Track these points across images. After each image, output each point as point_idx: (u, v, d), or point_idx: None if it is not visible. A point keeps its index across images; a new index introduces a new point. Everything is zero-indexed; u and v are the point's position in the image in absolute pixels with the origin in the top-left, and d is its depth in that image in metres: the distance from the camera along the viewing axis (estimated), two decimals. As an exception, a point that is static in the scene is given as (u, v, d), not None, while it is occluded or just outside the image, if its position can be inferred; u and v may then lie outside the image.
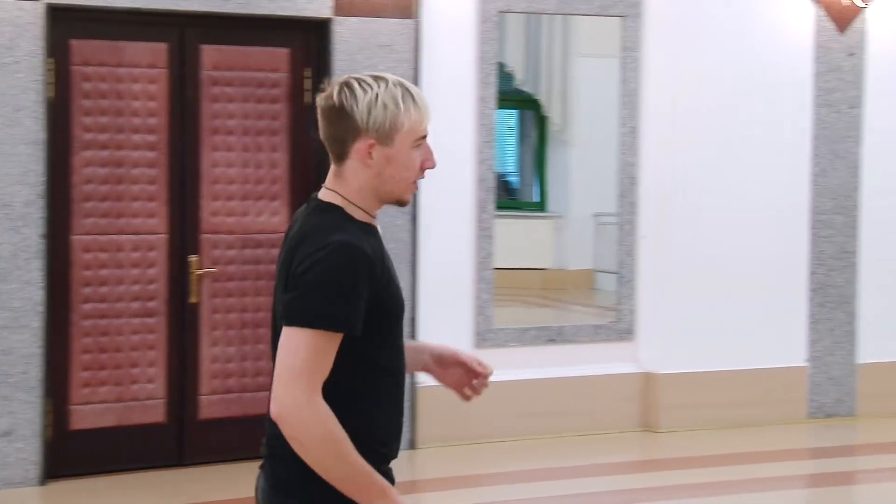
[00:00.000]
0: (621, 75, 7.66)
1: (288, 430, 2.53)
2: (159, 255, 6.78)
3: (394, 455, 2.73)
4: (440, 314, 7.25)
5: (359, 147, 2.64)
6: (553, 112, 8.85)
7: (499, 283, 7.43)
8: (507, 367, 7.31)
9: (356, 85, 2.63)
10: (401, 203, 2.72)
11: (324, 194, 2.71)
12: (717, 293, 7.73)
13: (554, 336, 7.49)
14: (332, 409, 2.54)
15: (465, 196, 7.33)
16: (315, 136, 7.05)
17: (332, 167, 2.71)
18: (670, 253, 7.67)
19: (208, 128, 6.85)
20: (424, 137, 2.69)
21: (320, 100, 2.67)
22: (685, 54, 7.72)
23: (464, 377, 2.96)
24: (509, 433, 7.35)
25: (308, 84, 7.05)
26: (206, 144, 6.85)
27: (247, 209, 6.94)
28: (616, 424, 7.57)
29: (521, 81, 8.79)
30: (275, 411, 2.54)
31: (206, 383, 6.86)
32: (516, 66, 8.72)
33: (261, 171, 6.98)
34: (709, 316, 7.74)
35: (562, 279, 9.00)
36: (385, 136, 2.64)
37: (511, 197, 9.86)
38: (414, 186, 2.71)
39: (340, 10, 6.97)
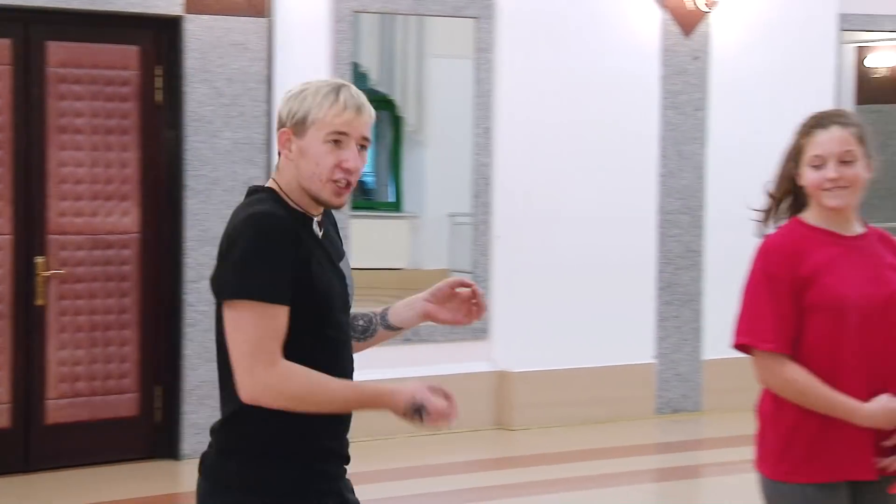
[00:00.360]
0: (475, 76, 7.73)
1: (270, 405, 2.57)
2: (4, 256, 6.60)
3: (340, 448, 2.71)
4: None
5: (278, 136, 2.70)
6: (408, 112, 8.88)
7: (354, 284, 7.41)
8: (364, 367, 7.24)
9: (296, 85, 2.71)
10: (323, 203, 2.69)
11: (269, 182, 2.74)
12: (569, 292, 7.85)
13: (410, 336, 7.51)
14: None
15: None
16: (167, 136, 6.99)
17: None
18: (523, 253, 7.76)
19: (55, 126, 6.70)
20: (342, 134, 2.65)
21: None
22: (537, 56, 7.82)
23: (461, 304, 2.95)
24: (364, 433, 7.33)
25: (159, 82, 6.94)
26: (52, 143, 6.70)
27: (96, 209, 6.81)
28: (471, 423, 7.63)
29: (376, 82, 8.80)
30: (245, 398, 2.57)
31: (53, 387, 6.71)
32: (371, 66, 8.73)
33: (111, 171, 6.86)
34: (561, 315, 7.85)
35: (417, 279, 9.03)
36: (299, 127, 2.66)
37: (366, 197, 9.86)
38: (332, 186, 2.66)
39: (191, 8, 6.88)
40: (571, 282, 7.84)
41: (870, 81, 10.88)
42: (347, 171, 2.67)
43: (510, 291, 7.71)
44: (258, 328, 2.55)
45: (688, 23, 8.17)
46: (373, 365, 7.44)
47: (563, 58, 7.86)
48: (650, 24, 8.11)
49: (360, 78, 8.40)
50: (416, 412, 2.58)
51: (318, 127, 2.65)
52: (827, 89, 8.56)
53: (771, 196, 3.32)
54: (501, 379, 7.73)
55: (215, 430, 2.70)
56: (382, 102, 9.19)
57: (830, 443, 3.13)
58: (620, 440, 7.57)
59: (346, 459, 2.76)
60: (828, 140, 3.18)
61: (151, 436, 7.00)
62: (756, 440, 3.26)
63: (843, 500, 3.16)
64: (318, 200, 2.69)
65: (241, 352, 2.57)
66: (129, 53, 6.87)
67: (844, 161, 3.17)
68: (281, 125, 2.70)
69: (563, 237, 7.84)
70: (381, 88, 8.82)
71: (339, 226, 2.91)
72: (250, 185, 2.81)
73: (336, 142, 2.66)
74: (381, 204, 9.57)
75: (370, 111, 2.73)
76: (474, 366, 7.69)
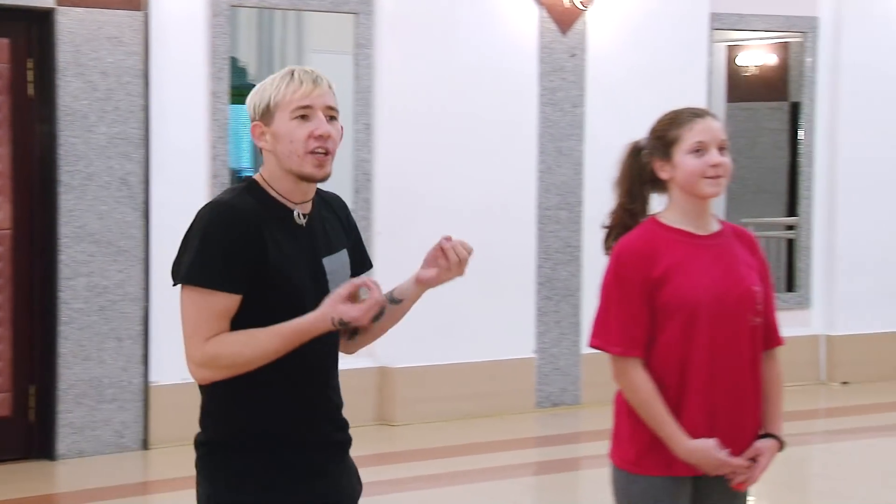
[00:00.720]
0: (355, 72, 7.71)
1: (217, 378, 2.73)
2: None
3: (297, 441, 2.77)
4: (174, 313, 7.09)
5: (252, 133, 2.81)
6: (287, 108, 8.81)
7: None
8: (243, 364, 7.24)
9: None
10: (307, 178, 2.77)
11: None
12: (449, 288, 7.85)
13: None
14: (220, 383, 2.73)
15: (199, 192, 7.22)
16: (39, 130, 6.84)
17: None
18: (405, 249, 7.76)
19: (-78, 120, 6.51)
20: (305, 108, 2.76)
21: None
22: (416, 52, 7.84)
23: (447, 261, 3.12)
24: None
25: (31, 76, 6.79)
26: (-80, 138, 6.51)
27: (-34, 206, 6.64)
28: (353, 418, 7.57)
29: (255, 76, 8.73)
30: (195, 378, 2.78)
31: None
32: (249, 60, 8.66)
33: (-20, 166, 6.69)
34: (441, 310, 7.86)
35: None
36: (266, 116, 2.78)
37: (245, 193, 9.78)
38: (311, 158, 2.76)
39: (64, 0, 6.75)
40: (452, 277, 7.86)
41: (740, 80, 11.14)
42: (321, 138, 2.76)
43: (391, 287, 7.69)
44: (197, 311, 2.69)
45: (564, 20, 8.27)
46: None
47: (442, 54, 7.89)
48: (528, 22, 8.18)
49: (238, 73, 8.32)
50: (340, 325, 2.73)
51: (282, 108, 2.76)
52: (699, 87, 8.73)
53: (622, 208, 3.32)
54: (383, 375, 7.74)
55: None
56: (261, 97, 9.12)
57: (719, 431, 3.17)
58: (501, 434, 7.64)
59: (321, 446, 2.82)
60: (708, 128, 3.20)
61: (26, 436, 6.85)
62: (612, 431, 3.32)
63: (685, 492, 3.19)
64: (303, 178, 2.78)
65: (184, 335, 2.73)
66: (-1, 46, 6.71)
67: (721, 149, 3.21)
68: (250, 122, 2.82)
69: (443, 232, 7.84)
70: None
71: (349, 218, 3.00)
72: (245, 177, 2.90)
73: (303, 116, 2.76)
74: (261, 200, 9.51)
75: (327, 82, 2.82)
76: (356, 361, 7.66)
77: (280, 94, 2.76)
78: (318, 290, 2.79)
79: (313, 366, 2.81)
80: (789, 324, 9.05)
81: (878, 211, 9.31)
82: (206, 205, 2.79)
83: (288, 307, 2.73)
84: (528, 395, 8.18)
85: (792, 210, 9.76)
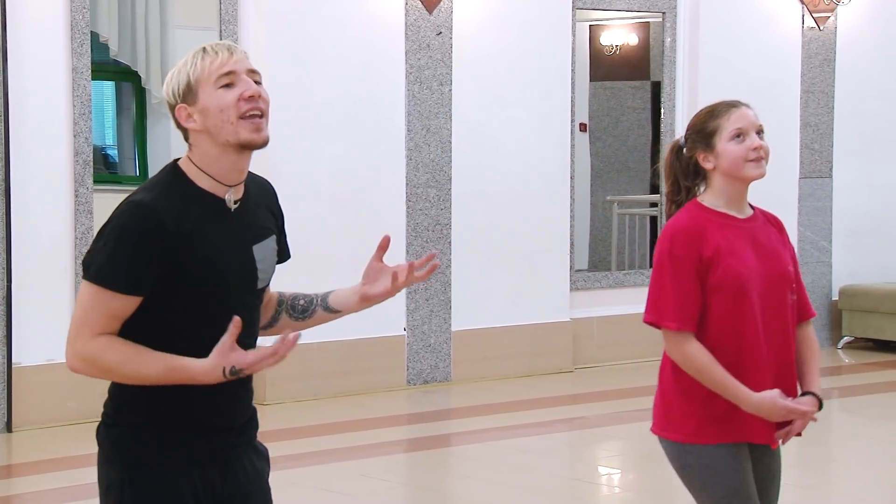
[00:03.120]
0: (220, 49, 7.61)
1: (87, 374, 2.73)
2: None
3: (208, 421, 2.74)
4: (38, 292, 6.98)
5: (178, 117, 2.74)
6: (152, 84, 8.67)
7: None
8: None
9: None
10: (246, 145, 2.72)
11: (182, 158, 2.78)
12: (318, 266, 7.86)
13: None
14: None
15: (61, 171, 7.08)
16: None
17: None
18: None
19: None
20: (227, 75, 2.71)
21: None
22: (282, 30, 7.79)
23: (396, 274, 3.01)
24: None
25: None
26: None
27: None
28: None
29: (117, 52, 8.56)
30: (68, 366, 2.74)
31: None
32: (111, 36, 8.48)
33: None
34: (311, 288, 7.84)
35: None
36: (189, 95, 2.72)
37: (111, 171, 9.60)
38: (246, 123, 2.72)
39: (-81, -28, 6.54)
40: (321, 256, 7.85)
41: (603, 59, 11.31)
42: (251, 99, 2.72)
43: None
44: (91, 305, 2.67)
45: (430, -1, 8.29)
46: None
47: (307, 31, 7.85)
48: (394, 1, 8.18)
49: (100, 49, 8.16)
50: (232, 374, 2.68)
51: (203, 83, 2.71)
52: (563, 66, 8.85)
53: (669, 199, 3.55)
54: (251, 354, 7.68)
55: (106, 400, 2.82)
56: (125, 74, 8.96)
57: (735, 407, 3.38)
58: (372, 412, 7.66)
59: (223, 430, 2.78)
60: (745, 115, 3.45)
61: None
62: (659, 411, 3.50)
63: (745, 455, 3.43)
64: (243, 146, 2.72)
65: (73, 319, 2.70)
66: None
67: (759, 133, 3.45)
68: (173, 106, 2.74)
69: (312, 212, 7.84)
70: (123, 59, 8.59)
71: (277, 203, 2.94)
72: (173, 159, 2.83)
73: (227, 85, 2.71)
74: (126, 177, 9.34)
75: (241, 49, 2.78)
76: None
77: (198, 69, 2.70)
78: (246, 280, 2.76)
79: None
80: (652, 299, 9.39)
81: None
82: (127, 202, 2.69)
83: (212, 299, 2.71)
84: (398, 373, 8.22)
85: (655, 188, 9.96)
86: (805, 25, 9.80)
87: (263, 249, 2.81)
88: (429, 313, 8.36)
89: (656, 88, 10.01)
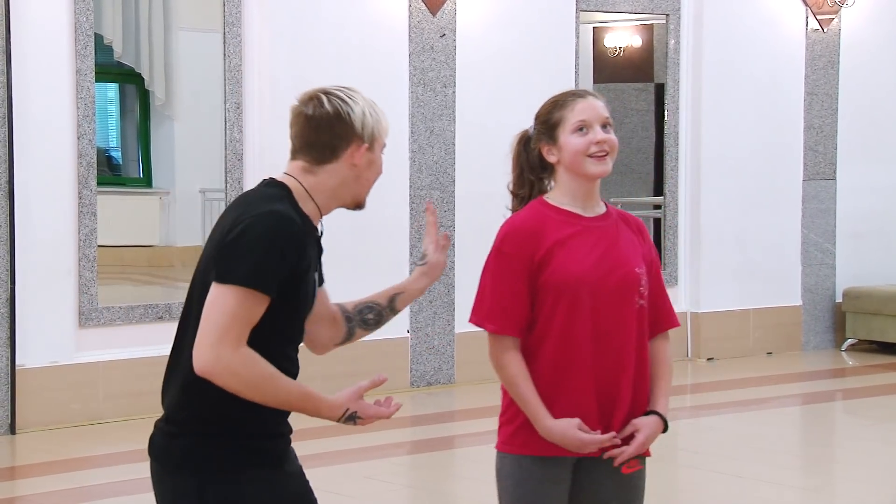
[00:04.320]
0: (224, 51, 7.63)
1: (220, 383, 2.70)
2: None
3: (280, 431, 2.85)
4: (41, 294, 6.99)
5: (352, 151, 2.88)
6: (156, 86, 8.68)
7: (103, 262, 7.24)
8: (114, 346, 7.16)
9: (340, 94, 2.94)
10: (360, 205, 2.98)
11: (280, 176, 2.89)
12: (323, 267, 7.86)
13: (162, 313, 7.38)
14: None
15: (65, 172, 7.08)
16: None
17: (300, 164, 2.89)
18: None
19: None
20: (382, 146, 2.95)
21: (305, 108, 2.93)
22: (287, 32, 7.79)
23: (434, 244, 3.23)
24: (116, 413, 7.18)
25: None
26: None
27: None
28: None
29: (121, 55, 8.58)
30: (199, 368, 2.69)
31: None
32: (115, 38, 8.50)
33: None
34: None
35: (170, 256, 8.88)
36: (372, 139, 2.90)
37: (114, 173, 9.61)
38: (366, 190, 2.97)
39: (-77, -26, 6.55)
40: (324, 259, 7.84)
41: (606, 61, 11.31)
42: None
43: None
44: (237, 310, 2.70)
45: (433, 2, 8.29)
46: (126, 344, 7.26)
47: (312, 33, 7.86)
48: (398, 2, 8.18)
49: (104, 51, 8.17)
50: (349, 419, 2.83)
51: (381, 140, 2.94)
52: (567, 68, 8.85)
53: (513, 195, 3.32)
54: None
55: (166, 411, 2.84)
56: (129, 76, 8.97)
57: (591, 413, 3.16)
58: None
59: (287, 435, 2.91)
60: (590, 106, 3.18)
61: None
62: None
63: (563, 473, 3.18)
64: (356, 205, 2.97)
65: (213, 323, 2.69)
66: None
67: (604, 126, 3.18)
68: (354, 139, 2.89)
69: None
70: (127, 62, 8.60)
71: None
72: (266, 178, 2.93)
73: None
74: (130, 180, 9.35)
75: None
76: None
77: (385, 126, 2.95)
78: (311, 305, 2.93)
79: (293, 373, 2.90)
80: (656, 301, 9.39)
81: (738, 189, 9.55)
82: (269, 213, 2.77)
83: (301, 315, 2.88)
84: (402, 375, 8.21)
85: (659, 190, 9.96)
86: (809, 27, 9.79)
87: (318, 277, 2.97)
88: (432, 315, 8.36)
89: (660, 90, 10.01)
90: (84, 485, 6.01)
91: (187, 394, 2.78)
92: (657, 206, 10.09)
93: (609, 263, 3.16)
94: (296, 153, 2.94)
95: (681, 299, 9.44)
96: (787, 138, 9.76)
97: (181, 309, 2.91)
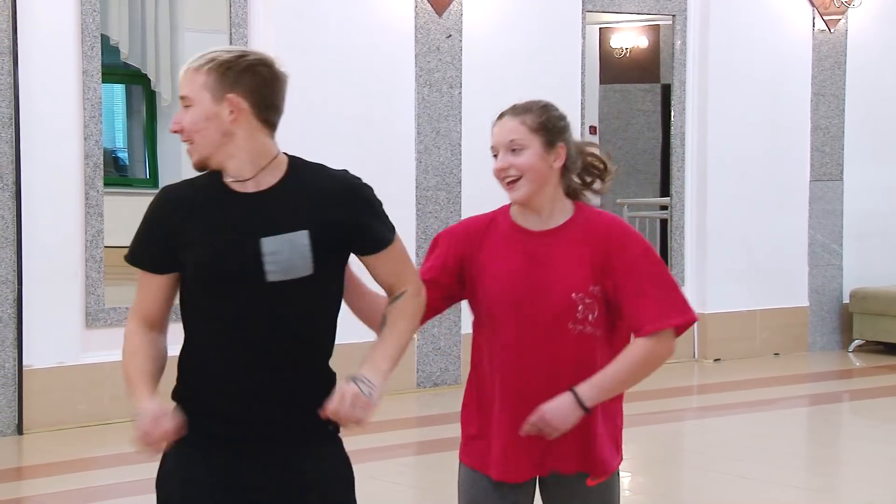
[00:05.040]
0: (230, 51, 7.62)
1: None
2: None
3: (212, 409, 2.81)
4: (48, 294, 6.99)
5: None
6: (162, 87, 8.69)
7: (110, 262, 7.25)
8: (120, 347, 7.14)
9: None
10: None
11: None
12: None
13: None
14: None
15: (72, 173, 7.09)
16: None
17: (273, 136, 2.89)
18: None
19: None
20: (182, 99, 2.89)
21: (284, 71, 2.86)
22: (292, 32, 7.79)
23: None
24: (123, 414, 7.18)
25: None
26: None
27: None
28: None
29: (127, 55, 8.59)
30: None
31: None
32: (121, 39, 8.51)
33: None
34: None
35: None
36: None
37: (121, 173, 9.63)
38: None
39: (-70, -25, 6.56)
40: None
41: (613, 62, 11.31)
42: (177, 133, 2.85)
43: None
44: (137, 284, 2.88)
45: (440, 2, 8.29)
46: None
47: (318, 34, 7.86)
48: (403, 3, 8.19)
49: (110, 52, 8.18)
50: (135, 427, 2.80)
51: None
52: (573, 69, 8.85)
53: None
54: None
55: None
56: (135, 77, 8.98)
57: (481, 433, 3.14)
58: (381, 415, 7.61)
59: (224, 415, 2.82)
60: (497, 131, 3.09)
61: None
62: None
63: (489, 489, 3.14)
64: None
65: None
66: None
67: (513, 150, 3.06)
68: None
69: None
70: (133, 62, 8.61)
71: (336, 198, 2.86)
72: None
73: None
74: (136, 180, 9.37)
75: (190, 64, 2.81)
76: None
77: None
78: (242, 269, 2.77)
79: (234, 348, 2.85)
80: (662, 302, 9.38)
81: (745, 190, 9.54)
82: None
83: (208, 287, 2.80)
84: (408, 375, 8.21)
85: (665, 190, 9.95)
86: (815, 28, 9.78)
87: (278, 243, 2.78)
88: (438, 317, 8.33)
89: (666, 91, 10.01)
90: (90, 485, 6.02)
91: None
92: (664, 207, 10.08)
93: (538, 283, 3.03)
94: None
95: (688, 300, 9.40)
96: (793, 139, 9.75)
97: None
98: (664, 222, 10.06)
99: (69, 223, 7.10)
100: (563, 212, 3.10)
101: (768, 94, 9.61)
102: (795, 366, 9.38)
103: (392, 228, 2.90)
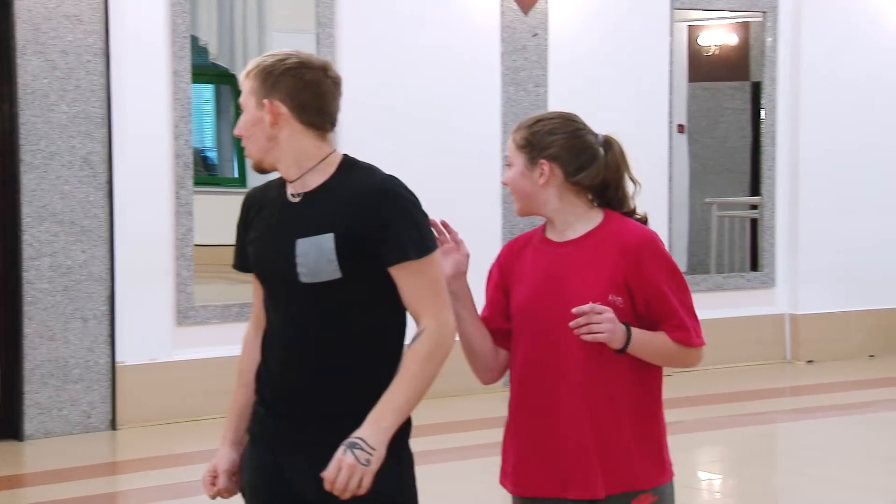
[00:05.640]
0: (317, 51, 7.67)
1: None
2: None
3: (263, 401, 2.92)
4: (139, 292, 7.08)
5: None
6: (251, 87, 8.75)
7: (200, 260, 7.32)
8: (210, 344, 7.22)
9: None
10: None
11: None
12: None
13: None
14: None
15: (162, 172, 7.17)
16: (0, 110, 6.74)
17: (328, 136, 2.89)
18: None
19: None
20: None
21: (334, 73, 2.89)
22: (378, 32, 7.81)
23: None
24: (213, 411, 7.24)
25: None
26: None
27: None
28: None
29: (216, 56, 8.67)
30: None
31: None
32: (210, 39, 8.60)
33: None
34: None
35: (264, 254, 8.94)
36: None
37: (210, 173, 9.73)
38: None
39: (22, -22, 6.68)
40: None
41: (701, 59, 11.18)
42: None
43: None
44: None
45: (526, 1, 8.26)
46: (222, 342, 7.32)
47: (403, 33, 7.87)
48: (489, 2, 8.16)
49: (199, 52, 8.27)
50: None
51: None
52: (661, 67, 8.76)
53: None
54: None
55: None
56: (224, 77, 9.07)
57: (535, 452, 3.07)
58: (469, 414, 7.64)
59: (270, 408, 2.90)
60: (509, 146, 3.14)
61: (-8, 417, 6.81)
62: None
63: None
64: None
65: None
66: (-43, 25, 6.63)
67: (508, 166, 3.10)
68: None
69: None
70: (222, 63, 8.69)
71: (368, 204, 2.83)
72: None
73: None
74: (225, 179, 9.46)
75: (248, 69, 2.88)
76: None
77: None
78: (282, 270, 2.80)
79: (274, 347, 2.94)
80: (754, 303, 9.25)
81: (839, 189, 9.37)
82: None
83: (264, 286, 2.94)
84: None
85: (756, 189, 9.82)
86: (913, 22, 9.57)
87: (308, 245, 2.79)
88: (525, 315, 8.31)
89: (756, 89, 9.86)
90: (182, 480, 6.07)
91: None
92: (754, 207, 9.94)
93: (557, 294, 3.01)
94: None
95: (778, 300, 9.29)
96: (890, 137, 9.54)
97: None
98: (754, 222, 9.92)
99: (160, 222, 7.18)
100: (584, 222, 3.08)
101: (863, 92, 9.43)
102: (891, 368, 9.19)
103: (424, 247, 2.78)
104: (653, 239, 3.08)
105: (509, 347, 3.11)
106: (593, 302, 2.97)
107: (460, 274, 3.07)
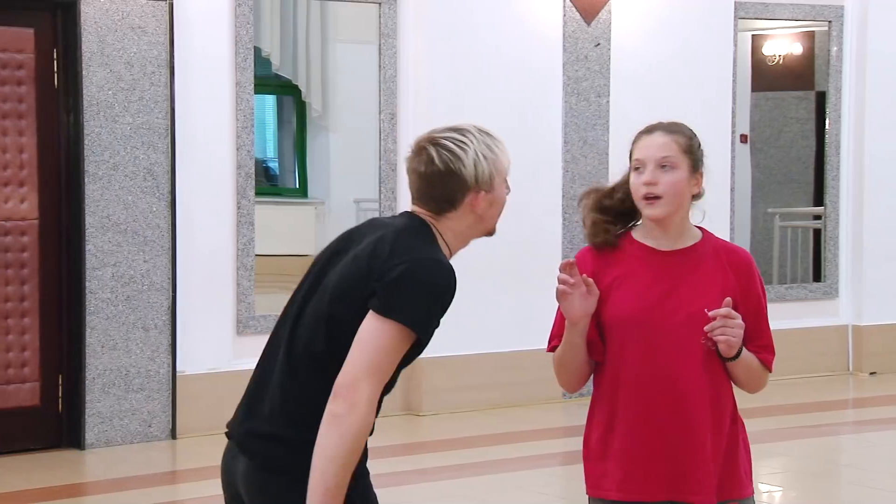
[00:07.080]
0: (379, 62, 7.70)
1: (347, 419, 2.71)
2: None
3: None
4: (201, 302, 7.13)
5: (470, 200, 2.90)
6: (312, 98, 8.82)
7: (260, 270, 7.37)
8: (269, 354, 7.25)
9: (450, 144, 2.89)
10: (490, 234, 3.03)
11: (419, 212, 2.92)
12: (476, 278, 7.85)
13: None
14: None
15: (224, 183, 7.23)
16: (65, 120, 6.84)
17: (423, 211, 2.91)
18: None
19: (-50, 111, 6.54)
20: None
21: (416, 164, 2.90)
22: (441, 43, 7.82)
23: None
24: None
25: (56, 66, 6.81)
26: (-52, 128, 6.54)
27: (-7, 196, 6.68)
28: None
29: (279, 66, 8.74)
30: (350, 405, 2.71)
31: (-50, 378, 6.56)
32: (273, 50, 8.67)
33: (7, 156, 6.72)
34: (469, 301, 7.84)
35: (323, 266, 9.00)
36: (488, 184, 2.92)
37: (271, 183, 9.80)
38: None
39: (89, -10, 6.77)
40: (477, 270, 7.84)
41: (765, 69, 11.08)
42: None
43: None
44: (393, 348, 2.78)
45: (589, 10, 8.24)
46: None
47: (466, 43, 7.87)
48: (551, 11, 8.15)
49: (262, 63, 8.34)
50: None
51: (502, 175, 2.98)
52: (725, 76, 8.70)
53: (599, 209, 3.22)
54: (410, 365, 7.70)
55: (268, 425, 3.03)
56: (287, 88, 9.13)
57: (653, 458, 3.05)
58: (528, 424, 7.62)
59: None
60: (648, 144, 3.09)
61: (54, 425, 6.89)
62: None
63: None
64: (487, 234, 3.02)
65: (359, 362, 2.78)
66: (24, 36, 6.73)
67: (662, 167, 3.06)
68: (469, 189, 2.90)
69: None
70: (285, 73, 8.76)
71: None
72: (406, 211, 2.97)
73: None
74: (286, 190, 9.52)
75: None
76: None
77: (504, 161, 2.99)
78: None
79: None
80: (817, 314, 9.15)
81: (905, 200, 9.24)
82: (429, 259, 2.81)
83: (405, 366, 2.90)
84: (554, 385, 8.10)
85: (819, 200, 9.71)
86: (981, 31, 9.41)
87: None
88: (585, 326, 8.27)
89: (821, 99, 9.76)
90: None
91: (306, 417, 2.83)
92: (817, 217, 9.84)
93: (674, 302, 3.04)
94: (415, 201, 2.95)
95: (841, 312, 9.17)
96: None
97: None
98: (817, 232, 9.81)
99: (222, 232, 7.24)
100: (691, 235, 3.14)
101: (929, 101, 9.29)
102: (956, 381, 9.05)
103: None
104: (751, 256, 3.24)
105: (598, 357, 3.12)
106: (708, 308, 3.01)
107: (587, 315, 3.07)
